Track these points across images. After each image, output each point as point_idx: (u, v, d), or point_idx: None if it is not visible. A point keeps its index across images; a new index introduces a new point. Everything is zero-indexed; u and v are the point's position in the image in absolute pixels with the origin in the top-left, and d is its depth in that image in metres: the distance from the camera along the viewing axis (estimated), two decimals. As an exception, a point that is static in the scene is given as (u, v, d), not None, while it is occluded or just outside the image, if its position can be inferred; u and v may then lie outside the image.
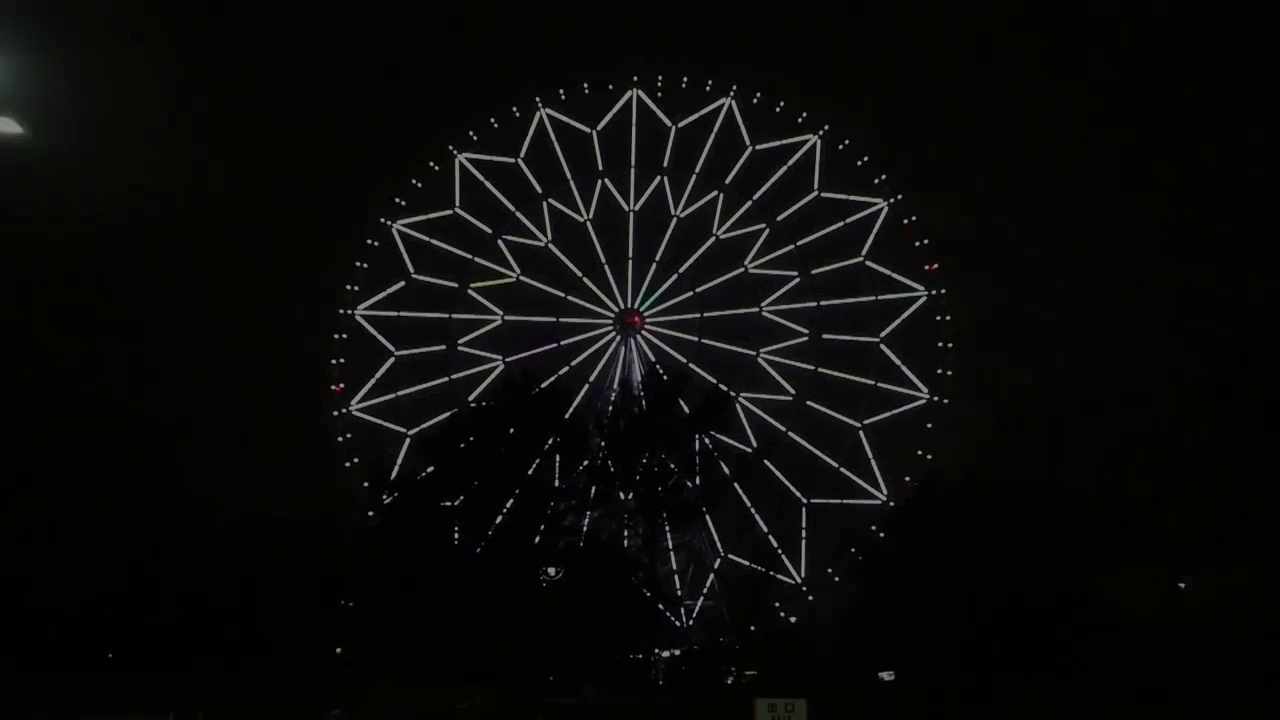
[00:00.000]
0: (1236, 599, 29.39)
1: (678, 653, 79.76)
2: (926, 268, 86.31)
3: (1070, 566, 44.88)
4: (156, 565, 58.79)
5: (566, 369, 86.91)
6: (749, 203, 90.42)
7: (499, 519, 59.65)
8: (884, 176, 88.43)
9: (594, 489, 61.31)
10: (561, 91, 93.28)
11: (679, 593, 77.14)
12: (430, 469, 62.45)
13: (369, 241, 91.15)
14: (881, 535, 74.34)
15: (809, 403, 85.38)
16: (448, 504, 59.90)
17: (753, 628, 68.87)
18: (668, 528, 64.24)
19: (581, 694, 65.47)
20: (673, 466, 61.25)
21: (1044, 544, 52.82)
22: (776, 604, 74.25)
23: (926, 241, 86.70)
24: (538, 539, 59.36)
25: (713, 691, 64.93)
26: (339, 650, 66.17)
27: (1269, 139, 31.40)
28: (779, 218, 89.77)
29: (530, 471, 60.17)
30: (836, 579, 74.74)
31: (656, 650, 70.40)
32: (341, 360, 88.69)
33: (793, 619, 78.82)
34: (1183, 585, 30.98)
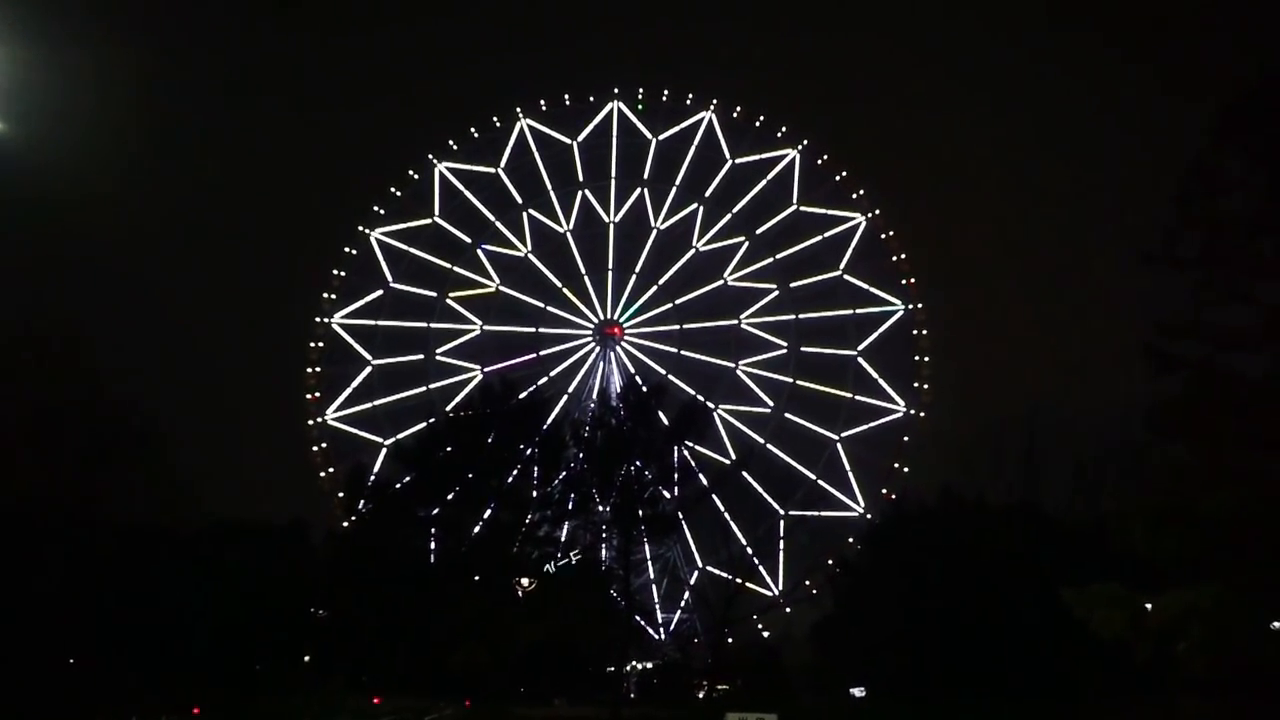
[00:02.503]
0: (1201, 619, 29.72)
1: (650, 665, 79.67)
2: (904, 282, 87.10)
3: (1039, 583, 45.27)
4: (126, 567, 58.14)
5: (545, 379, 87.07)
6: (729, 215, 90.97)
7: (475, 529, 59.51)
8: (862, 191, 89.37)
9: (570, 500, 61.21)
10: (542, 102, 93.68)
11: (655, 605, 77.00)
12: (406, 478, 62.21)
13: (347, 250, 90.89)
14: (858, 548, 74.57)
15: (787, 415, 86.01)
16: (423, 513, 59.69)
17: (730, 640, 68.90)
18: (645, 539, 64.16)
19: (552, 705, 65.42)
20: (650, 477, 61.18)
21: (1015, 560, 53.26)
22: (754, 616, 74.17)
23: (904, 256, 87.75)
24: (513, 549, 59.19)
25: (684, 705, 64.98)
26: (307, 658, 65.76)
27: (1238, 164, 32.00)
28: (758, 231, 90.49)
29: (507, 482, 60.03)
30: (814, 591, 74.82)
31: (630, 663, 70.27)
32: (318, 369, 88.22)
33: (766, 633, 78.88)
34: (1149, 605, 31.27)
